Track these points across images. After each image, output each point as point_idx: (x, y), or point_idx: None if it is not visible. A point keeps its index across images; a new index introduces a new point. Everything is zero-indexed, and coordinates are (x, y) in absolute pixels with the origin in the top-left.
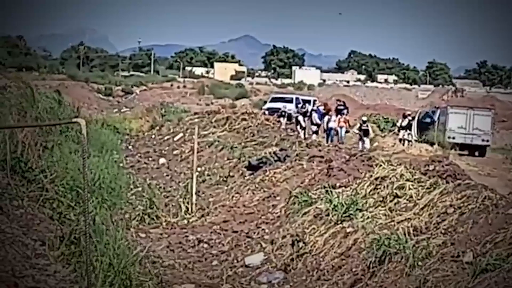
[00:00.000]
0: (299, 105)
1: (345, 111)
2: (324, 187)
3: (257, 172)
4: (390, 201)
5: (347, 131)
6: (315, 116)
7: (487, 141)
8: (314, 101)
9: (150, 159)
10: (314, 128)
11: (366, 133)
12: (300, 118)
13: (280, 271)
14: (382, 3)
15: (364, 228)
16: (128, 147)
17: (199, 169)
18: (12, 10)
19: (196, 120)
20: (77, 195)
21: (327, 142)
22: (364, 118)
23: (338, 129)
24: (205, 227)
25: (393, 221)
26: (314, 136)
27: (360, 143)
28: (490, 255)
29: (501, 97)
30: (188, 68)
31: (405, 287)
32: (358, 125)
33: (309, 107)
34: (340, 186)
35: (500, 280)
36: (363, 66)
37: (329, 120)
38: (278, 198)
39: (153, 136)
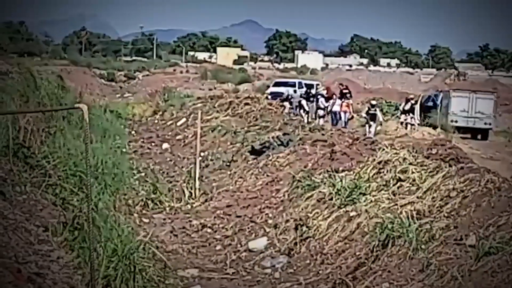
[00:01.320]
0: (302, 90)
1: (348, 95)
2: (327, 171)
3: (260, 156)
4: (393, 185)
5: (351, 117)
6: (322, 100)
7: (490, 124)
8: (317, 85)
9: (153, 144)
10: (321, 112)
11: (373, 117)
12: (304, 102)
13: (283, 255)
14: None
15: (367, 212)
16: (131, 133)
17: (202, 154)
18: None
19: (199, 105)
20: (80, 181)
21: (332, 126)
22: (373, 102)
23: (342, 113)
24: (209, 212)
25: (396, 204)
26: (321, 121)
27: (367, 127)
28: (493, 238)
29: (503, 81)
30: (191, 53)
31: (409, 270)
32: (366, 109)
33: (313, 92)
34: (343, 170)
35: (503, 263)
36: (366, 50)
37: (333, 104)
38: (281, 182)
39: (156, 121)
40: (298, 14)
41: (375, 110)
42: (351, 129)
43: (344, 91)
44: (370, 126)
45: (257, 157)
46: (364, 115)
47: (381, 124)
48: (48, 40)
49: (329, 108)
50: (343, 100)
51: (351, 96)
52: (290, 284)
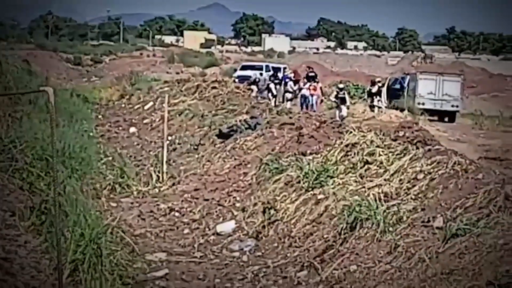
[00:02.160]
0: (269, 73)
1: (315, 78)
2: (295, 154)
3: (228, 140)
4: (361, 168)
5: (321, 100)
6: (290, 83)
7: (457, 106)
8: (285, 68)
9: (120, 128)
10: (289, 95)
11: (343, 101)
12: (272, 85)
13: (251, 238)
14: None
15: (335, 195)
16: (98, 117)
17: (169, 137)
18: None
19: (166, 88)
20: (47, 165)
21: (301, 109)
22: (341, 86)
23: (310, 96)
24: (176, 196)
25: (364, 187)
26: (288, 104)
27: (337, 111)
28: (460, 220)
29: (470, 63)
30: (158, 37)
31: (376, 252)
32: (335, 93)
33: (280, 75)
34: (310, 153)
35: (470, 245)
36: (333, 33)
37: (301, 88)
38: (249, 165)
39: (123, 105)
40: None
41: (344, 94)
42: (319, 112)
43: (310, 74)
44: (340, 110)
45: (225, 140)
46: (333, 98)
47: (348, 108)
48: (14, 24)
49: (297, 92)
50: (310, 83)
51: (317, 78)
52: (258, 267)
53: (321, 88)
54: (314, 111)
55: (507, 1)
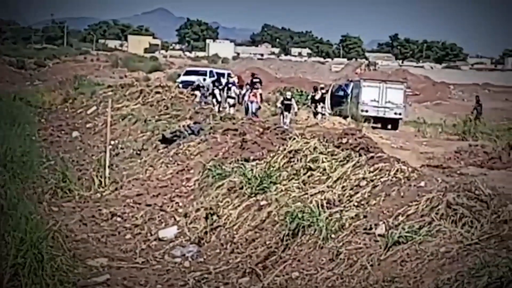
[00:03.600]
0: (213, 79)
1: (258, 84)
2: (238, 160)
3: (171, 145)
4: (304, 174)
5: (259, 107)
6: (234, 89)
7: (400, 114)
8: (229, 74)
9: (63, 132)
10: (232, 101)
11: (288, 108)
12: (216, 91)
13: (193, 244)
14: None
15: (277, 201)
16: (41, 121)
17: (112, 142)
18: None
19: (109, 93)
20: None
21: (246, 115)
22: (289, 93)
23: (249, 103)
24: (119, 201)
25: (307, 194)
26: (232, 110)
27: (281, 117)
28: (402, 228)
29: (413, 71)
30: (102, 41)
31: (318, 259)
32: (281, 99)
33: (223, 81)
34: (254, 159)
35: (412, 253)
36: (277, 40)
37: (245, 94)
38: (192, 171)
39: (66, 109)
40: (210, 3)
41: (291, 101)
42: (263, 118)
43: (254, 80)
44: (285, 116)
45: (168, 145)
46: (279, 105)
47: (296, 114)
48: None
49: (240, 98)
50: (251, 89)
51: (261, 85)
52: (200, 273)
53: (260, 94)
54: (257, 117)
55: (450, 9)
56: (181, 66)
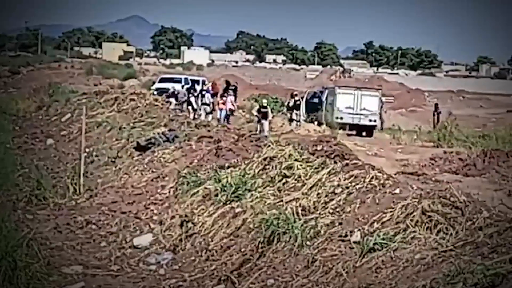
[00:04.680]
0: (188, 86)
1: (230, 92)
2: (213, 167)
3: (146, 152)
4: (279, 181)
5: (228, 115)
6: (208, 96)
7: (375, 121)
8: (203, 81)
9: (38, 140)
10: (208, 108)
11: (265, 116)
12: (192, 99)
13: (168, 251)
14: None
15: (253, 208)
16: (15, 128)
17: (87, 150)
18: None
19: (84, 100)
20: None
21: (221, 122)
22: (265, 101)
23: (218, 111)
24: (93, 208)
25: (282, 201)
26: (209, 117)
27: (258, 125)
28: (377, 235)
29: (388, 78)
30: (76, 48)
31: (294, 266)
32: (257, 107)
33: (198, 88)
34: (229, 167)
35: (387, 260)
36: (252, 47)
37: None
38: (166, 178)
39: (40, 117)
40: (184, 10)
41: (266, 109)
42: (237, 125)
43: (231, 87)
44: (262, 124)
45: (143, 153)
46: (255, 113)
47: (270, 123)
48: None
49: (215, 105)
50: (221, 97)
51: (235, 92)
52: (175, 280)
53: (232, 102)
54: (230, 124)
55: (425, 16)
56: (155, 74)
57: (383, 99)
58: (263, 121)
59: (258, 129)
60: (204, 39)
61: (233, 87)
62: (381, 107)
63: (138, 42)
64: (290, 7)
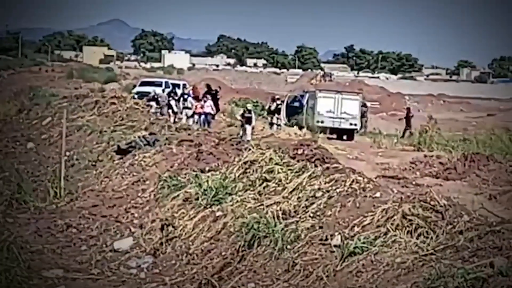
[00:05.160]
0: (169, 90)
1: (208, 96)
2: (194, 171)
3: (126, 156)
4: (259, 185)
5: (213, 117)
6: (190, 100)
7: (355, 125)
8: (184, 85)
9: (18, 143)
10: (190, 112)
11: (248, 120)
12: (172, 102)
13: (149, 255)
14: None
15: (233, 212)
16: None
17: (67, 153)
18: None
19: (64, 104)
20: None
21: (201, 126)
22: (249, 107)
23: (196, 115)
24: (74, 212)
25: (262, 204)
26: (190, 121)
27: (241, 130)
28: (358, 238)
29: (369, 81)
30: (57, 52)
31: (274, 270)
32: (241, 112)
33: (179, 91)
34: (209, 170)
35: (367, 263)
36: (233, 50)
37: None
38: (147, 182)
39: (21, 121)
40: (165, 14)
41: (250, 113)
42: (218, 129)
43: (212, 91)
44: (246, 129)
45: (123, 156)
46: (239, 118)
47: (253, 128)
48: None
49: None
50: (200, 100)
51: (214, 97)
52: (155, 284)
53: (211, 106)
54: (210, 128)
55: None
56: (136, 77)
57: (368, 104)
58: (246, 126)
59: (241, 133)
60: (184, 43)
61: (214, 91)
62: (366, 111)
63: (119, 46)
64: (271, 11)
